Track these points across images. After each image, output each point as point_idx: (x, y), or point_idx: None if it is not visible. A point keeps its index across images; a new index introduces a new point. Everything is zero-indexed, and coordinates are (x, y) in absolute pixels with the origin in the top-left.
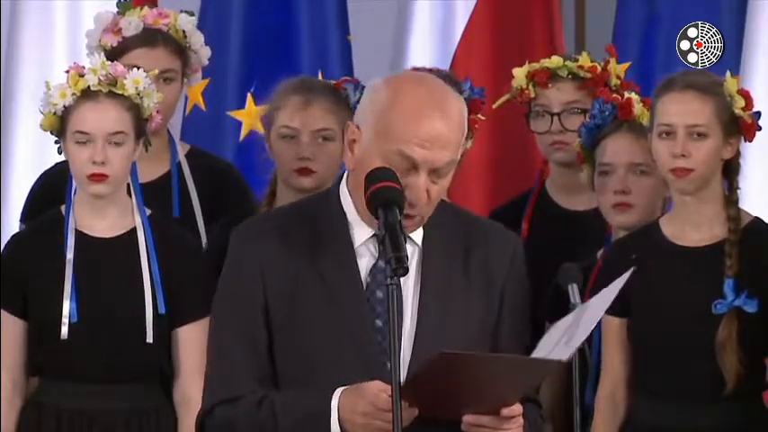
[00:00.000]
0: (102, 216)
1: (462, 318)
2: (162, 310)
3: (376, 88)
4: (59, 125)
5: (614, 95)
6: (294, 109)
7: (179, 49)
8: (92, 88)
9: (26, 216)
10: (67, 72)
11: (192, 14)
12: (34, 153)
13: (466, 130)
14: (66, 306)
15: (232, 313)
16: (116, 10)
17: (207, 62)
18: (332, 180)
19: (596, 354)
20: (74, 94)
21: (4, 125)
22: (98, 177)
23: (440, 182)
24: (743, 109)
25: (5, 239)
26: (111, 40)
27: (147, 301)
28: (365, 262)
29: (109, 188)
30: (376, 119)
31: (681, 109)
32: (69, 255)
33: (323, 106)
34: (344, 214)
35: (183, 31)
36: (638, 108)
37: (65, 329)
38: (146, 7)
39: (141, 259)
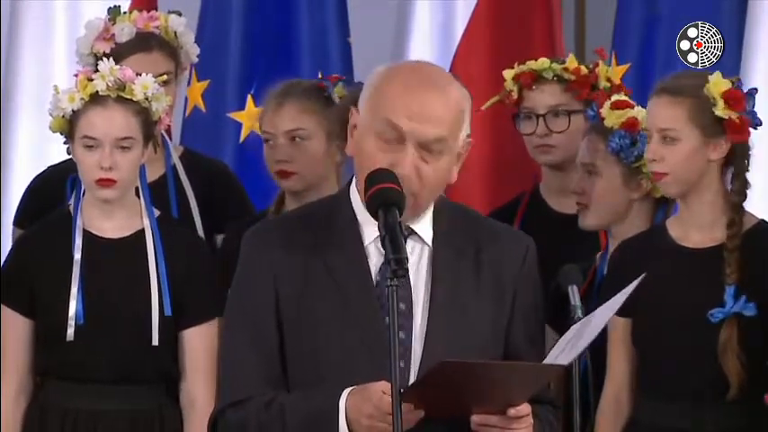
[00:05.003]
0: (110, 217)
1: (474, 318)
2: (168, 312)
3: (374, 73)
4: (68, 128)
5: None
6: (268, 113)
7: (172, 50)
8: (100, 93)
9: (19, 219)
10: (76, 76)
11: (180, 14)
12: (34, 153)
13: (466, 118)
14: (73, 307)
15: (243, 315)
16: (106, 16)
17: (196, 60)
18: (319, 180)
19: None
20: (82, 98)
21: (4, 125)
22: (106, 182)
23: (432, 162)
24: (729, 109)
25: (5, 239)
26: (104, 47)
27: (154, 302)
28: (375, 260)
29: (117, 193)
30: (371, 97)
31: (653, 113)
32: (77, 255)
33: (295, 107)
34: (354, 213)
35: (175, 32)
36: (604, 110)
37: (71, 330)
38: (135, 11)
39: (149, 261)
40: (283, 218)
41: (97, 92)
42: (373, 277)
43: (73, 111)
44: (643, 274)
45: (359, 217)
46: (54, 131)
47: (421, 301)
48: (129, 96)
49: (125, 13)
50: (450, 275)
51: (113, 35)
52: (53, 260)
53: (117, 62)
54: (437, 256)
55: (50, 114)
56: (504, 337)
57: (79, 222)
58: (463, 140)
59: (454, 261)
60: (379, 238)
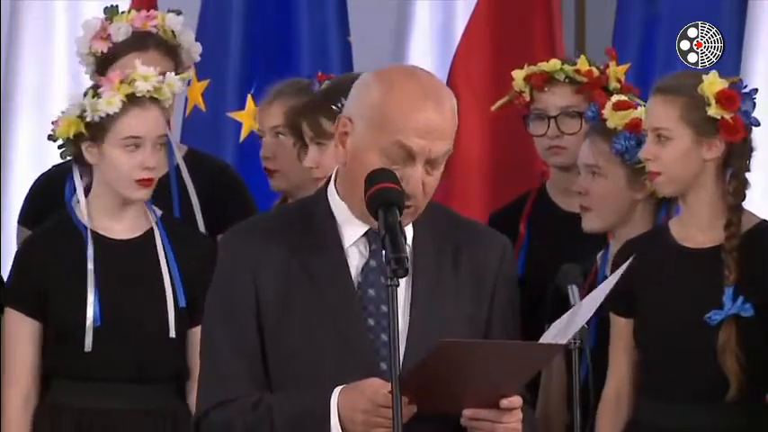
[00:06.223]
0: (120, 219)
1: (452, 316)
2: (182, 303)
3: (367, 83)
4: (93, 132)
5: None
6: (260, 110)
7: (170, 49)
8: (137, 94)
9: (25, 218)
10: (108, 80)
11: (179, 13)
12: (34, 153)
13: (457, 121)
14: (90, 313)
15: (223, 316)
16: (103, 16)
17: (198, 58)
18: (305, 181)
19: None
20: (122, 100)
21: (4, 125)
22: (148, 182)
23: (434, 173)
24: (722, 109)
25: (5, 239)
26: (102, 47)
27: (168, 296)
28: (356, 262)
29: (151, 192)
30: (370, 112)
31: (649, 113)
32: (90, 265)
33: (281, 104)
34: (333, 214)
35: (173, 31)
36: (606, 110)
37: (89, 340)
38: (133, 11)
39: (160, 258)
40: (263, 217)
41: (133, 93)
42: (354, 279)
43: (107, 114)
44: (630, 258)
45: (338, 218)
46: (62, 136)
47: (401, 301)
48: (157, 96)
49: (123, 12)
50: (430, 274)
51: (110, 34)
52: (62, 262)
53: (114, 62)
54: (417, 256)
55: (71, 116)
56: (483, 336)
57: (88, 225)
58: None
59: (434, 261)
60: (359, 240)
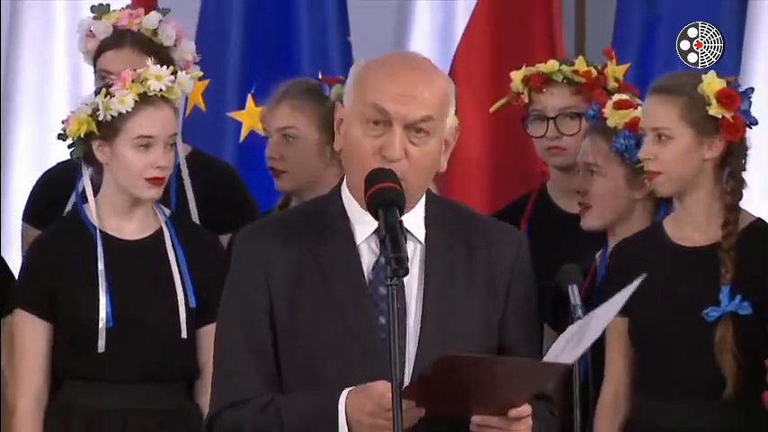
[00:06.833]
0: (130, 218)
1: (467, 315)
2: (193, 303)
3: (358, 65)
4: (104, 130)
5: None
6: (267, 110)
7: (150, 47)
8: (148, 93)
9: (28, 215)
10: (119, 78)
11: (167, 12)
12: (34, 153)
13: (451, 104)
14: (103, 314)
15: (237, 315)
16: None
17: (190, 57)
18: (312, 180)
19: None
20: (135, 99)
21: (4, 125)
22: (159, 181)
23: (420, 144)
24: (723, 108)
25: (5, 239)
26: (93, 46)
27: (180, 296)
28: (367, 259)
29: (161, 191)
30: (356, 87)
31: (647, 112)
32: (101, 266)
33: (289, 105)
34: (345, 212)
35: (155, 30)
36: (607, 109)
37: (102, 341)
38: (121, 9)
39: (170, 258)
40: (276, 216)
41: (145, 92)
42: (366, 277)
43: (119, 113)
44: (642, 276)
45: (350, 216)
46: (73, 135)
47: (414, 301)
48: (168, 95)
49: (114, 11)
50: (443, 273)
51: (94, 33)
52: (72, 263)
53: (96, 59)
54: (429, 254)
55: (78, 116)
56: (499, 332)
57: (97, 225)
58: (450, 128)
59: (446, 258)
60: (370, 237)
